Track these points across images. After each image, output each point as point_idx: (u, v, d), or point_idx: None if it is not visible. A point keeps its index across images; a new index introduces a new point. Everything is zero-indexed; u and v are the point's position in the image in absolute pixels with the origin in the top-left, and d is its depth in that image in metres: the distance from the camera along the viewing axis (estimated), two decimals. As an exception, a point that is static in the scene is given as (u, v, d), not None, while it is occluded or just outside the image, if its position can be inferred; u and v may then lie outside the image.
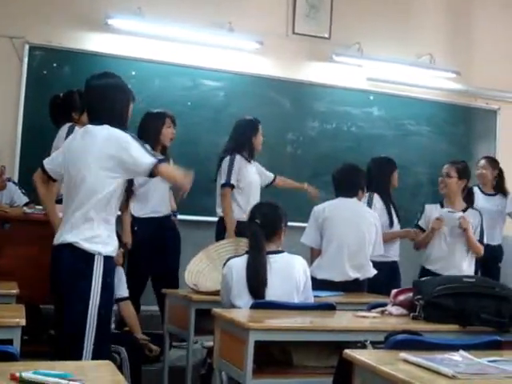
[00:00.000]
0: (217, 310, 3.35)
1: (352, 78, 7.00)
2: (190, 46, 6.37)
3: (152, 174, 3.27)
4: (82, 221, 3.24)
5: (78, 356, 3.14)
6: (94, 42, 6.12)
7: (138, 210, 5.01)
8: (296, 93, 6.73)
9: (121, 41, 6.18)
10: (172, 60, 6.28)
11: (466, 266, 5.07)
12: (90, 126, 3.34)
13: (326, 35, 6.87)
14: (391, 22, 7.11)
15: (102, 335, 3.25)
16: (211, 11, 6.45)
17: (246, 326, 2.98)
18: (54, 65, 5.98)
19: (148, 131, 5.00)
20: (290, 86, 6.70)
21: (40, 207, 4.58)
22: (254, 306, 3.43)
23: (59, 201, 4.87)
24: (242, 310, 3.48)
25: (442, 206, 5.21)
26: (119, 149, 3.23)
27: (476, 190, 5.96)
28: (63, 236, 3.27)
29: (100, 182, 3.23)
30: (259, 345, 3.01)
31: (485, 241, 5.17)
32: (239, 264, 3.61)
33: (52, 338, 4.32)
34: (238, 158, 5.27)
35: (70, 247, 3.23)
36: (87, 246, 3.21)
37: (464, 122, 7.48)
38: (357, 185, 4.91)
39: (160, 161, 3.26)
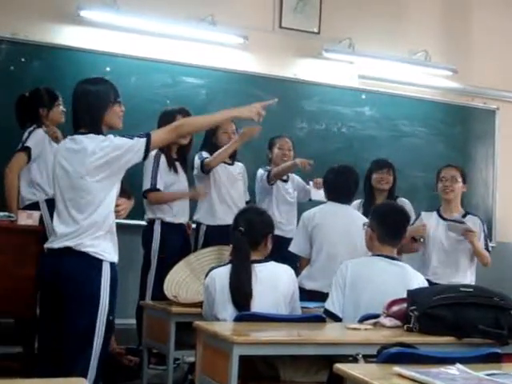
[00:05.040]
0: (199, 323, 3.36)
1: (343, 76, 7.05)
2: (169, 41, 6.39)
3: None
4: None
5: (84, 367, 3.27)
6: (65, 36, 6.13)
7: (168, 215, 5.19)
8: (283, 91, 6.74)
9: (94, 34, 6.20)
10: (150, 55, 6.31)
11: (468, 276, 5.16)
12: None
13: (315, 30, 6.92)
14: (384, 16, 7.17)
15: (105, 348, 3.42)
16: (192, 3, 6.48)
17: (229, 339, 3.00)
18: (22, 59, 5.97)
19: None
20: (277, 84, 6.73)
21: (6, 213, 4.58)
22: (238, 319, 3.45)
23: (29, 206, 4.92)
24: (225, 322, 3.50)
25: (439, 213, 5.26)
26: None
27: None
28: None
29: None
30: (244, 359, 3.03)
31: (490, 248, 5.25)
32: (222, 274, 3.63)
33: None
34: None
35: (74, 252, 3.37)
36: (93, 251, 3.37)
37: (461, 123, 7.55)
38: (353, 191, 4.96)
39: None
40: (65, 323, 3.34)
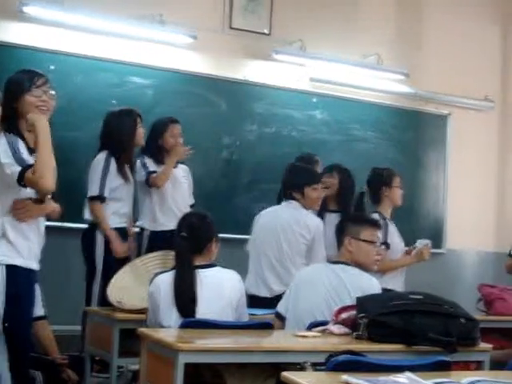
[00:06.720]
0: (143, 330, 3.35)
1: (294, 78, 7.07)
2: (115, 40, 6.33)
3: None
4: None
5: None
6: (6, 32, 6.00)
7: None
8: (232, 93, 6.76)
9: (38, 31, 6.10)
10: (95, 54, 6.23)
11: None
12: None
13: (266, 31, 6.92)
14: (336, 17, 7.21)
15: (16, 354, 3.33)
16: (140, 1, 6.43)
17: (174, 346, 2.99)
18: (-38, 57, 5.87)
19: (121, 133, 5.09)
20: (226, 86, 6.72)
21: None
22: (183, 325, 3.44)
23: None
24: (170, 329, 3.48)
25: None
26: None
27: None
28: None
29: None
30: (189, 367, 3.02)
31: None
32: (166, 280, 3.62)
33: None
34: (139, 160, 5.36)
35: None
36: None
37: (413, 128, 7.63)
38: (289, 186, 4.94)
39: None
40: None
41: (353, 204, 5.38)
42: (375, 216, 5.14)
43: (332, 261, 4.05)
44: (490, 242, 7.93)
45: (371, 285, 3.86)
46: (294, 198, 4.90)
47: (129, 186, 5.21)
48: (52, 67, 6.01)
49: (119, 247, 5.00)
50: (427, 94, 7.63)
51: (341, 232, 4.05)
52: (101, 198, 5.04)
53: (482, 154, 7.95)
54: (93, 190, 5.05)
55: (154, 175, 5.27)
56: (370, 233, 4.03)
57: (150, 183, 5.28)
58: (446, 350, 3.22)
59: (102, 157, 5.08)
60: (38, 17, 6.06)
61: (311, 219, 4.90)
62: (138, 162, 5.33)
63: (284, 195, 4.99)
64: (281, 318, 3.90)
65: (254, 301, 4.55)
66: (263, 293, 4.74)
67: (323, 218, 5.19)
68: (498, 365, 3.20)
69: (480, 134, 7.92)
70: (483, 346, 3.47)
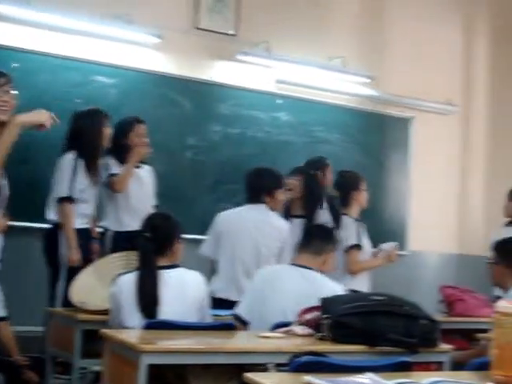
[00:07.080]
0: (105, 331, 3.33)
1: (259, 80, 7.08)
2: (81, 38, 6.28)
3: None
4: None
5: None
6: (-30, 29, 5.97)
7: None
8: (198, 93, 6.75)
9: (2, 28, 6.05)
10: (60, 52, 6.18)
11: None
12: None
13: (232, 32, 6.93)
14: (302, 20, 7.24)
15: None
16: (106, 1, 6.39)
17: (137, 348, 2.98)
18: None
19: (90, 134, 5.07)
20: (192, 86, 6.71)
21: None
22: (146, 326, 3.43)
23: None
24: (133, 330, 3.47)
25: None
26: None
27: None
28: None
29: None
30: (153, 369, 3.01)
31: None
32: (129, 281, 3.62)
33: None
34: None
35: None
36: None
37: (377, 130, 7.69)
38: (259, 189, 4.87)
39: None
40: None
41: (326, 208, 5.37)
42: (345, 218, 5.23)
43: (299, 264, 4.02)
44: (452, 244, 8.03)
45: (336, 291, 3.88)
46: (261, 201, 4.88)
47: (95, 187, 5.18)
48: (15, 65, 5.96)
49: (76, 256, 4.96)
50: (391, 97, 7.69)
51: (323, 240, 4.07)
52: (70, 199, 5.00)
53: (444, 156, 8.04)
54: (62, 191, 5.00)
55: (115, 178, 5.25)
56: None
57: (110, 187, 5.27)
58: (408, 351, 3.25)
59: (70, 157, 5.04)
60: (1, 14, 6.00)
61: (281, 222, 4.91)
62: (102, 163, 5.30)
63: (249, 198, 4.95)
64: (241, 321, 3.86)
65: (224, 304, 4.49)
66: (235, 296, 4.57)
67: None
68: (458, 365, 3.24)
69: (443, 137, 8.02)
70: (443, 346, 3.51)
